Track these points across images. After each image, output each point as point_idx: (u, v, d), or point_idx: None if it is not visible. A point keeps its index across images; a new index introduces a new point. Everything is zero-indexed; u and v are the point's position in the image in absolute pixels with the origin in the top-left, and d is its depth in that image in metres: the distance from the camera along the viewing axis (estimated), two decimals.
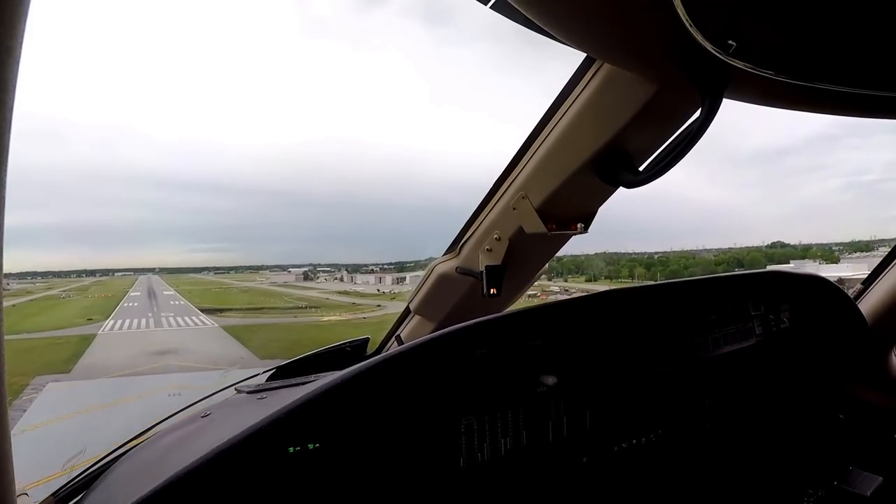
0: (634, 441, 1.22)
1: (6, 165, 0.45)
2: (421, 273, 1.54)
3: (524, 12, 0.69)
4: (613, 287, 1.25)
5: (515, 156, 1.23)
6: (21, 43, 0.40)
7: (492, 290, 1.32)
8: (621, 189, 1.18)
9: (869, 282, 1.67)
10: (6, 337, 0.53)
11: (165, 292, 60.24)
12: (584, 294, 1.22)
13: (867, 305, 1.63)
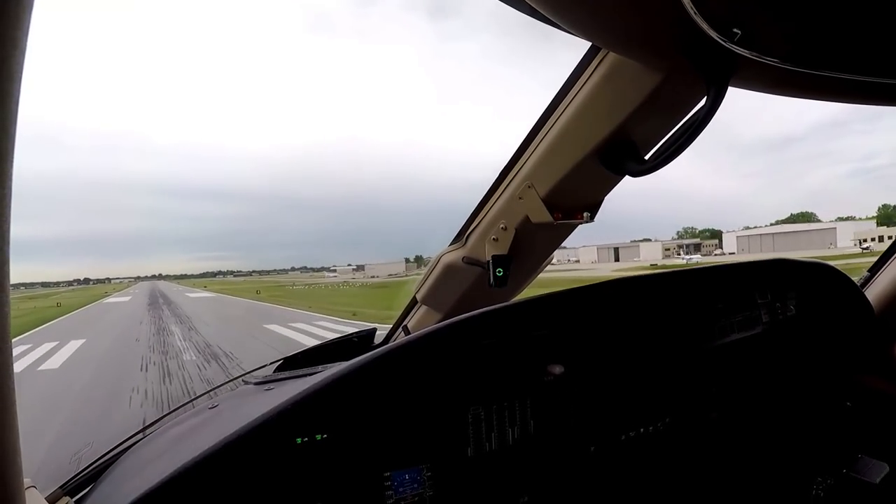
0: (642, 430, 1.22)
1: (12, 157, 0.45)
2: None
3: (529, 1, 0.69)
4: (619, 276, 1.25)
5: (521, 146, 1.22)
6: (27, 34, 0.39)
7: (498, 280, 1.31)
8: (628, 178, 1.18)
9: (875, 269, 1.66)
10: None
11: (191, 294, 41.48)
12: (590, 283, 1.22)
13: (874, 293, 1.62)
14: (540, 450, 1.10)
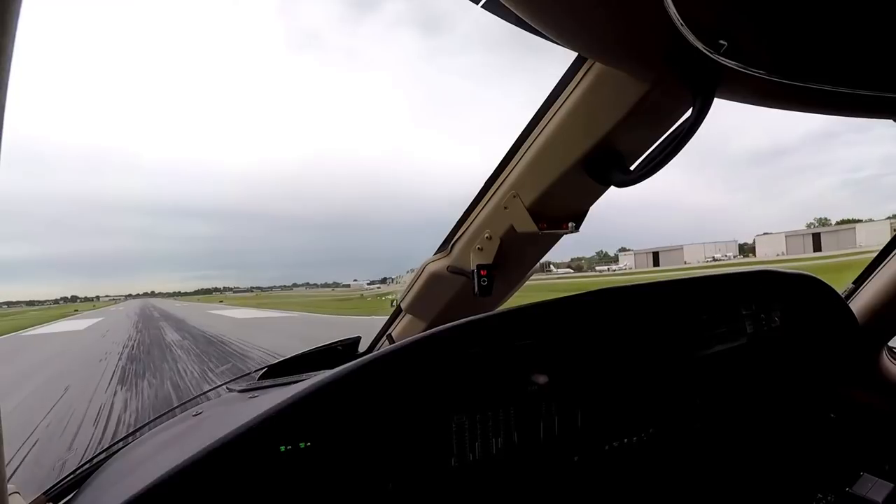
0: (625, 440, 1.22)
1: None
2: None
3: (515, 11, 0.69)
4: (605, 287, 1.25)
5: (507, 155, 1.23)
6: (13, 41, 0.40)
7: (483, 289, 1.32)
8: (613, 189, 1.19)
9: (860, 281, 1.68)
10: None
11: (236, 314, 29.57)
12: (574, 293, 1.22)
13: (858, 304, 1.63)
14: (523, 459, 1.11)
